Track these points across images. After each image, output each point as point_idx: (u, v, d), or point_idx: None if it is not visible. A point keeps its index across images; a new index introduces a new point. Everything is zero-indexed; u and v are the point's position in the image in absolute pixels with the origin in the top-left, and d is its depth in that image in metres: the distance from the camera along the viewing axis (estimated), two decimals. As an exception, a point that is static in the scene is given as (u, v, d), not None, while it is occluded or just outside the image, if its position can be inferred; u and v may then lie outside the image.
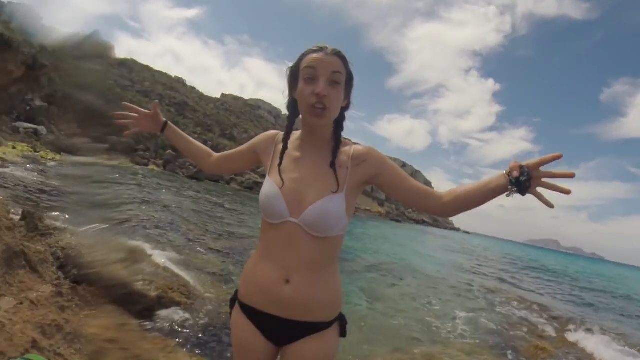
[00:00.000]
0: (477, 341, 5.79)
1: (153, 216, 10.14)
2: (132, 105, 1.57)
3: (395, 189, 1.24)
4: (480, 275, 14.83)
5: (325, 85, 1.16)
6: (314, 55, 1.20)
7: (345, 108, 1.28)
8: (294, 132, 1.35)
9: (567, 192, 1.03)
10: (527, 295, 11.40)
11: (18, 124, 21.04)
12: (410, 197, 1.23)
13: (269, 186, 1.26)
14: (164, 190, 17.57)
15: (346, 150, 1.27)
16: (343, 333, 1.31)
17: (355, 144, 1.32)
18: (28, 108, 24.87)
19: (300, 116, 1.27)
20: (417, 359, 4.65)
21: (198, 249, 7.31)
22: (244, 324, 1.29)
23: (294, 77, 1.26)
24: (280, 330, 1.23)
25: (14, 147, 14.87)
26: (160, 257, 5.85)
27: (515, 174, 1.05)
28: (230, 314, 1.36)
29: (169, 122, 1.56)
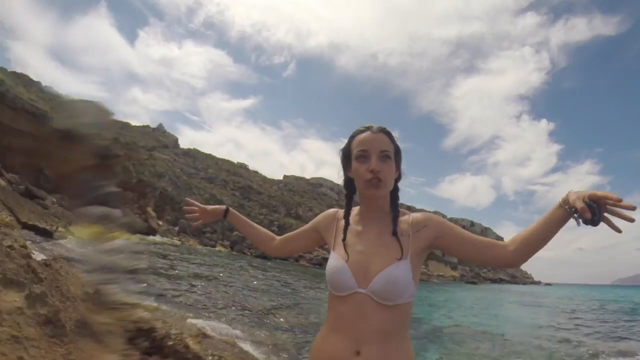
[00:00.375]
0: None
1: (223, 294, 10.22)
2: (191, 201, 1.72)
3: (458, 247, 1.24)
4: (568, 331, 13.24)
5: (377, 161, 1.24)
6: (363, 136, 1.29)
7: (397, 179, 1.35)
8: (353, 208, 1.40)
9: (631, 220, 0.99)
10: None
11: (92, 207, 22.62)
12: (475, 252, 1.23)
13: (335, 260, 1.29)
14: (232, 269, 17.86)
15: (405, 219, 1.31)
16: None
17: (414, 212, 1.36)
18: (102, 193, 26.96)
19: (358, 192, 1.35)
20: None
21: (267, 325, 7.28)
22: None
23: (346, 158, 1.36)
24: None
25: (87, 229, 15.53)
26: (229, 333, 5.79)
27: (588, 215, 1.02)
28: None
29: (230, 209, 1.66)
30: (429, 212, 1.34)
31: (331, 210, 1.49)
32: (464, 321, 13.20)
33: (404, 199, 1.39)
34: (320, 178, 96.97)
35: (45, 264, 3.61)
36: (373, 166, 1.22)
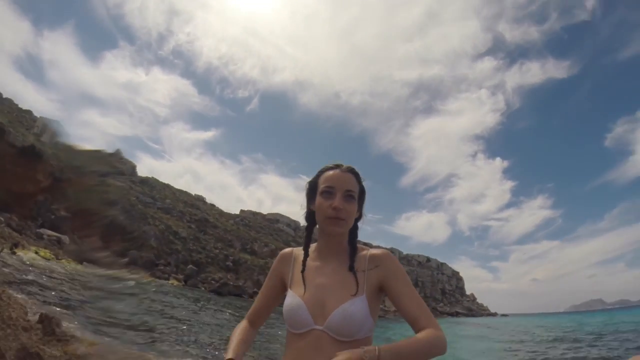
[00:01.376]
0: None
1: (172, 328, 9.83)
2: None
3: (394, 300, 1.24)
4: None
5: (341, 200, 1.27)
6: (331, 173, 1.32)
7: (358, 219, 1.37)
8: (311, 245, 1.41)
9: None
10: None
11: (42, 230, 21.47)
12: (403, 314, 1.22)
13: (291, 298, 1.29)
14: (184, 306, 17.19)
15: (363, 255, 1.31)
16: None
17: (374, 247, 1.37)
18: (53, 217, 25.71)
19: (318, 227, 1.37)
20: None
21: None
22: None
23: (312, 191, 1.37)
24: None
25: (36, 252, 14.79)
26: None
27: None
28: None
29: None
30: (386, 250, 1.33)
31: (286, 250, 1.49)
32: None
33: (361, 235, 1.41)
34: (277, 214, 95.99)
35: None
36: (336, 204, 1.25)
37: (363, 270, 1.27)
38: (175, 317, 12.25)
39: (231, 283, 44.17)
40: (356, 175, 1.33)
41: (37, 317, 4.41)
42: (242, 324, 1.45)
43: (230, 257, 50.50)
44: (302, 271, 1.33)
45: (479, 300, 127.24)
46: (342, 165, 1.33)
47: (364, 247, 1.37)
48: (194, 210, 67.47)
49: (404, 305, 1.22)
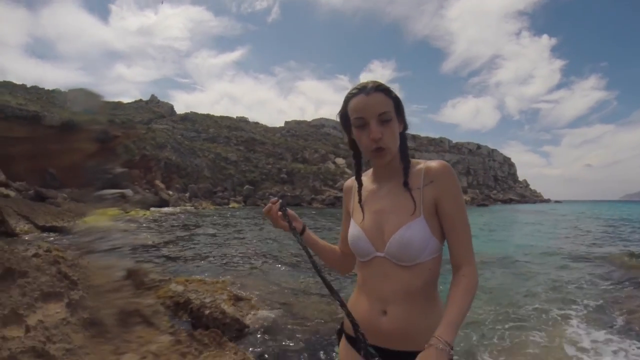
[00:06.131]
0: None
1: (244, 250, 10.40)
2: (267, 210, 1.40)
3: (442, 222, 1.18)
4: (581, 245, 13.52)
5: (377, 127, 1.17)
6: (357, 101, 1.20)
7: (402, 132, 1.27)
8: (367, 172, 1.38)
9: None
10: None
11: (103, 192, 22.96)
12: (446, 240, 1.20)
13: (352, 228, 1.30)
14: (248, 224, 18.12)
15: (419, 169, 1.23)
16: None
17: (429, 160, 1.28)
18: (110, 176, 27.19)
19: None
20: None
21: (296, 276, 7.26)
22: (352, 356, 1.30)
23: (346, 120, 1.27)
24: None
25: (105, 214, 15.83)
26: (259, 289, 5.96)
27: None
28: (338, 344, 1.39)
29: (307, 227, 1.47)
30: (444, 162, 1.22)
31: (347, 181, 1.46)
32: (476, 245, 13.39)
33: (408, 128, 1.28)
34: (321, 118, 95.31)
35: (74, 264, 3.69)
36: (373, 135, 1.15)
37: (418, 188, 1.20)
38: (242, 238, 12.98)
39: (289, 194, 45.81)
40: (384, 90, 1.20)
41: (123, 274, 4.71)
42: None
43: (284, 170, 51.86)
44: (359, 201, 1.31)
45: (532, 187, 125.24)
46: (366, 86, 1.19)
47: (419, 161, 1.28)
48: (239, 133, 68.60)
49: (448, 231, 1.17)
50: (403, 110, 1.25)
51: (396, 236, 1.16)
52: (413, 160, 1.28)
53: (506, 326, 4.93)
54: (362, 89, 1.19)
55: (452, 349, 0.98)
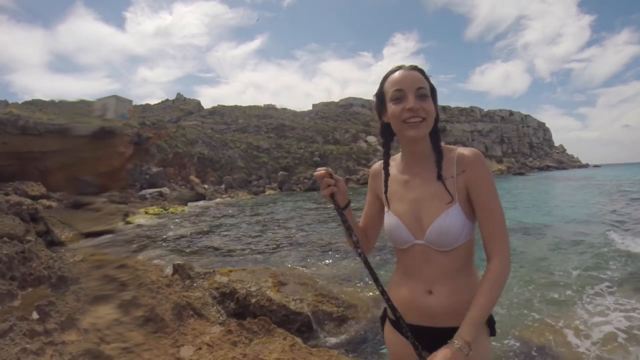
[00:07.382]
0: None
1: (285, 235, 10.53)
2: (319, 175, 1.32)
3: (475, 212, 1.22)
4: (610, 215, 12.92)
5: (415, 99, 1.19)
6: (396, 75, 1.24)
7: (436, 119, 1.27)
8: (394, 157, 1.38)
9: None
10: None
11: (143, 192, 24.05)
12: (479, 228, 1.22)
13: (389, 217, 1.32)
14: (287, 209, 18.33)
15: (451, 157, 1.25)
16: (492, 332, 1.29)
17: (460, 146, 1.29)
18: (147, 176, 28.41)
19: (397, 138, 1.30)
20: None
21: (337, 261, 7.27)
22: (397, 339, 1.33)
23: (381, 102, 1.30)
24: (433, 339, 1.21)
25: (146, 212, 16.66)
26: (302, 274, 5.96)
27: None
28: (382, 330, 1.42)
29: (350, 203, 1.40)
30: (475, 150, 1.23)
31: (375, 165, 1.47)
32: (515, 216, 12.98)
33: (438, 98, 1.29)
34: (349, 98, 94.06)
35: (121, 265, 3.82)
36: (411, 104, 1.17)
37: (452, 176, 1.23)
38: (282, 223, 13.15)
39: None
40: (422, 71, 1.25)
41: (170, 269, 4.84)
42: None
43: (316, 153, 52.01)
44: (385, 192, 1.34)
45: (568, 152, 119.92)
46: (404, 65, 1.26)
47: (451, 147, 1.29)
48: (268, 120, 69.05)
49: (481, 219, 1.20)
50: (437, 98, 1.28)
51: (435, 224, 1.20)
52: (444, 147, 1.28)
53: (536, 303, 4.85)
54: (401, 67, 1.25)
55: (470, 348, 1.05)
